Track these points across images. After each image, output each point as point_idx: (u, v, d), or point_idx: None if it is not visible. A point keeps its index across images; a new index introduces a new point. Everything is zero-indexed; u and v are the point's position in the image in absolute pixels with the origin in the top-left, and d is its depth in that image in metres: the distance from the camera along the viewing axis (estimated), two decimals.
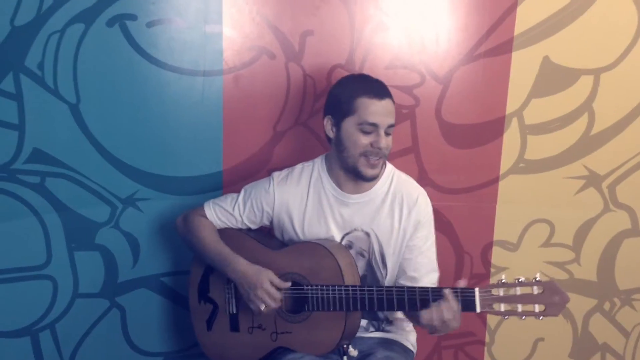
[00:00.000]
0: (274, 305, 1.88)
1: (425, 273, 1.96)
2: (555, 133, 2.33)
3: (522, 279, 1.67)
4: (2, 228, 2.10)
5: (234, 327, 2.02)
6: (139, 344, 2.35)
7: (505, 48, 2.24)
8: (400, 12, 2.22)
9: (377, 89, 1.89)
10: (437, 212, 2.06)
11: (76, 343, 2.27)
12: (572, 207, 2.40)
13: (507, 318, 1.71)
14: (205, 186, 2.26)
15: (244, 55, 2.19)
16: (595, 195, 2.39)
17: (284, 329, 1.94)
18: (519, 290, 1.68)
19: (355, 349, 1.93)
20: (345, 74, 2.09)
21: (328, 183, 2.00)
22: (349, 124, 1.89)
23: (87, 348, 2.28)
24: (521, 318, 1.69)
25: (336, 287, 1.84)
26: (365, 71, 2.17)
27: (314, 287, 1.87)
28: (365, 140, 1.87)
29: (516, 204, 2.38)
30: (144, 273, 2.29)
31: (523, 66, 2.26)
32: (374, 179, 1.94)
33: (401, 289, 1.79)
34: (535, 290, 1.67)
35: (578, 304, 2.48)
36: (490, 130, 2.32)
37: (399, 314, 2.07)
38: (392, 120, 1.89)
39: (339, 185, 1.98)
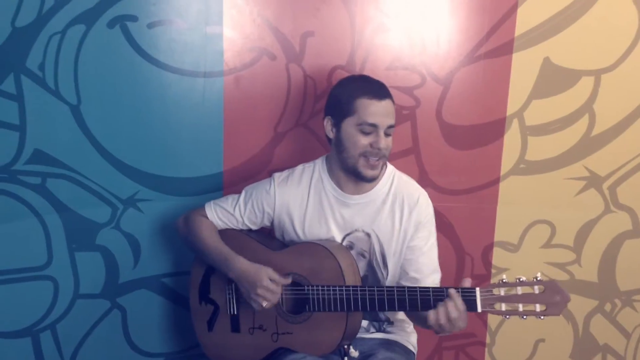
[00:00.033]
0: (274, 300, 1.88)
1: (428, 274, 1.96)
2: (555, 134, 2.33)
3: (523, 278, 1.67)
4: (3, 229, 2.10)
5: (235, 328, 2.02)
6: (139, 345, 2.35)
7: (505, 49, 2.25)
8: (401, 14, 2.23)
9: (376, 89, 1.90)
10: (437, 213, 2.06)
11: (77, 344, 2.27)
12: (573, 208, 2.40)
13: (508, 318, 1.71)
14: (206, 187, 2.26)
15: (244, 57, 2.19)
16: (596, 196, 2.39)
17: (284, 330, 1.94)
18: (520, 290, 1.68)
19: (356, 349, 1.93)
20: (346, 75, 2.10)
21: (329, 184, 2.00)
22: (348, 125, 1.89)
23: (87, 349, 2.28)
24: (522, 318, 1.68)
25: (337, 288, 1.84)
26: (366, 72, 2.18)
27: (315, 288, 1.87)
28: (364, 140, 1.87)
29: (517, 205, 2.38)
30: (144, 274, 2.30)
31: (524, 67, 2.26)
32: (373, 180, 1.94)
33: (402, 289, 1.79)
34: (537, 289, 1.67)
35: (579, 305, 2.48)
36: (490, 132, 2.32)
37: (401, 315, 2.07)
38: (391, 121, 1.89)
39: (339, 186, 1.98)
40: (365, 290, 1.83)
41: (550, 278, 1.72)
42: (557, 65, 2.27)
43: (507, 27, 2.23)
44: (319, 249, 1.90)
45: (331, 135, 1.95)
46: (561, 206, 2.39)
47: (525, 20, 2.22)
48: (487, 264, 2.44)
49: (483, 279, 2.43)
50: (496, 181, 2.35)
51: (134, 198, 2.22)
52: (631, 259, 2.45)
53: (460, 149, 2.33)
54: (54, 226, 2.16)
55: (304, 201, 2.01)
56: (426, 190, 2.02)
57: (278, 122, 2.26)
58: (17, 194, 2.10)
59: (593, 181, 2.37)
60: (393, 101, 1.91)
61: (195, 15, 2.12)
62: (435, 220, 2.03)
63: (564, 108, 2.31)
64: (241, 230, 2.07)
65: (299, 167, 2.07)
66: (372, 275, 2.02)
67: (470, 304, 1.71)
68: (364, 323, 2.03)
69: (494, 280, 2.43)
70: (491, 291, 1.70)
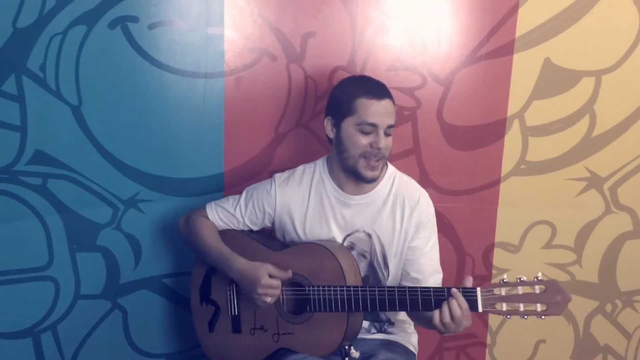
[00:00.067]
0: (277, 294, 1.88)
1: (429, 274, 1.96)
2: (556, 135, 2.33)
3: (524, 278, 1.67)
4: (4, 229, 2.10)
5: (236, 328, 2.01)
6: (140, 345, 2.35)
7: (506, 50, 2.25)
8: (402, 14, 2.23)
9: (376, 89, 1.90)
10: (438, 214, 2.06)
11: (78, 344, 2.27)
12: (574, 209, 2.40)
13: (509, 317, 1.71)
14: (207, 188, 2.26)
15: (245, 57, 2.19)
16: (596, 197, 2.39)
17: (285, 330, 1.94)
18: (520, 290, 1.68)
19: (357, 350, 1.93)
20: (347, 75, 2.10)
21: (329, 184, 2.00)
22: (348, 124, 1.89)
23: (88, 349, 2.28)
24: (523, 317, 1.68)
25: (338, 288, 1.84)
26: (367, 73, 2.17)
27: (316, 288, 1.87)
28: (364, 140, 1.87)
29: (517, 205, 2.38)
30: (145, 274, 2.30)
31: (524, 68, 2.26)
32: (373, 180, 1.94)
33: (403, 289, 1.79)
34: (537, 289, 1.67)
35: (580, 305, 2.48)
36: (491, 132, 2.32)
37: (402, 316, 2.07)
38: (391, 121, 1.89)
39: (340, 186, 1.98)
40: (366, 290, 1.82)
41: (551, 278, 1.72)
42: (558, 66, 2.27)
43: (508, 27, 2.23)
44: (320, 249, 1.90)
45: (331, 135, 1.95)
46: (562, 207, 2.39)
47: (526, 20, 2.22)
48: (488, 264, 2.44)
49: (484, 279, 2.43)
50: (497, 182, 2.35)
51: (135, 199, 2.22)
52: (632, 260, 2.45)
53: (461, 149, 2.33)
54: (55, 227, 2.16)
55: (304, 202, 2.01)
56: (427, 191, 2.02)
57: (279, 123, 2.26)
58: (18, 195, 2.10)
59: (594, 182, 2.37)
60: (393, 101, 1.91)
61: (196, 16, 2.12)
62: (436, 221, 2.03)
63: (564, 109, 2.31)
64: (242, 231, 2.07)
65: (300, 168, 2.07)
66: (373, 276, 2.02)
67: (471, 304, 1.71)
68: (365, 324, 2.03)
69: (494, 280, 2.43)
70: (492, 291, 1.70)
